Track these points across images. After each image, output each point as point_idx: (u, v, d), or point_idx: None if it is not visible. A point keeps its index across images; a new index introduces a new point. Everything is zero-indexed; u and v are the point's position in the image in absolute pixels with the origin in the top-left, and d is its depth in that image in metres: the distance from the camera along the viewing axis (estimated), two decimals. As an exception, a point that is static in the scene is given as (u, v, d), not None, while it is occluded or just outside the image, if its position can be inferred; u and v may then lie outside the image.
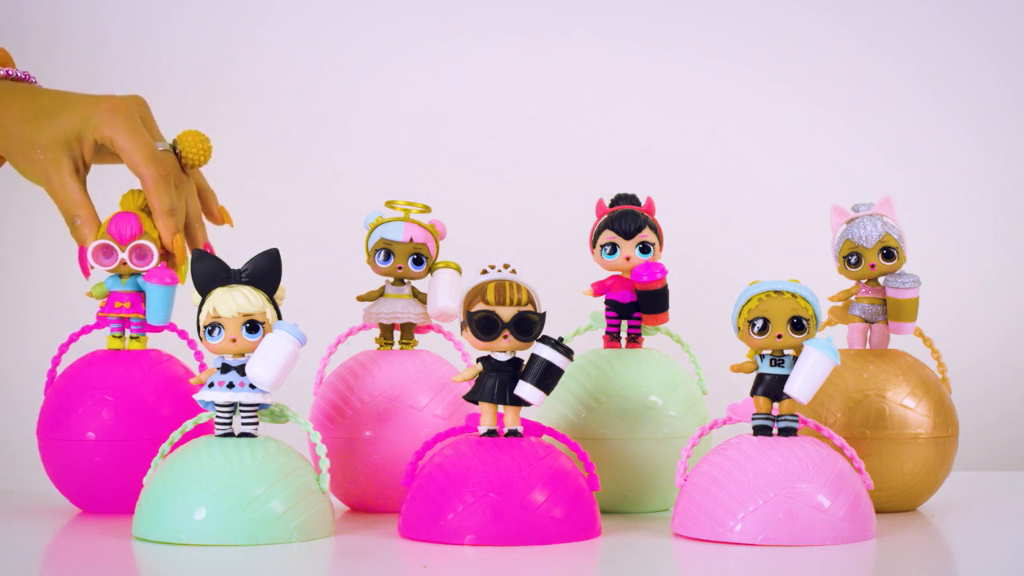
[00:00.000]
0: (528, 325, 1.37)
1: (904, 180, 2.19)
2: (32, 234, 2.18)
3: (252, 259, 1.40)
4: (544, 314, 1.38)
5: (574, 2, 2.20)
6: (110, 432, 1.54)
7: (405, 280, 1.60)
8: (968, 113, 2.19)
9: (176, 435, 1.43)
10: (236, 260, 1.42)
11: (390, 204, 1.60)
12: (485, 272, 1.39)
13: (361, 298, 1.61)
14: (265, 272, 1.40)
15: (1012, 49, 2.19)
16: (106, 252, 1.56)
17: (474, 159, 2.23)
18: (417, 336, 1.63)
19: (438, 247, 1.61)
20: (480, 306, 1.37)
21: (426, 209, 1.60)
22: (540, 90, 2.24)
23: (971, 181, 2.19)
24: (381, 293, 1.61)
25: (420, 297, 1.61)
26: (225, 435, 1.40)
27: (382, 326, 1.62)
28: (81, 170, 1.57)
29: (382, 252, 1.58)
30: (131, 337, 1.60)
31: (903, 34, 2.20)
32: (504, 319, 1.37)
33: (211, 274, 1.39)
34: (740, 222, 2.19)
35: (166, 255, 1.57)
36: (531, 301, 1.38)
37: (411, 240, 1.58)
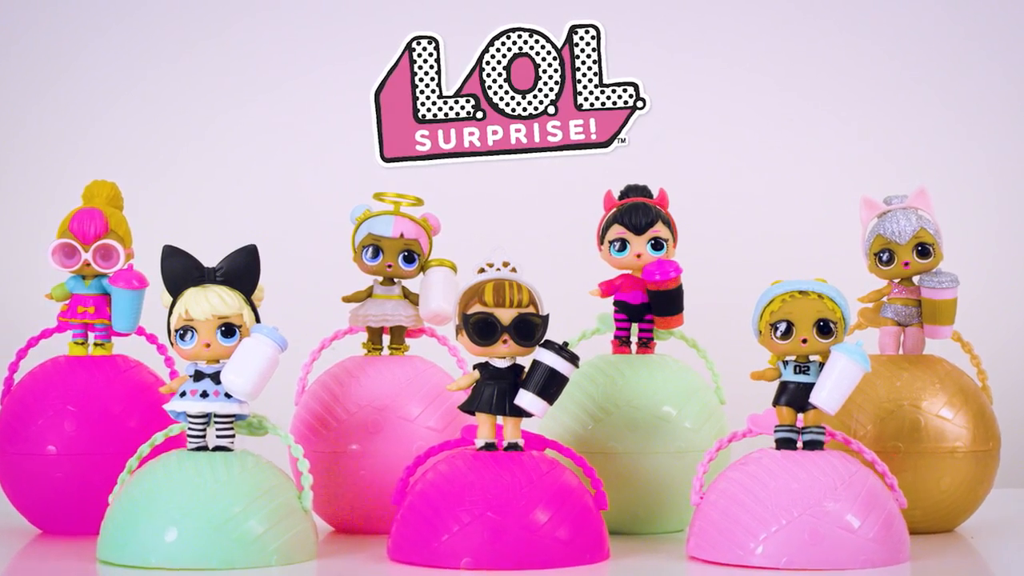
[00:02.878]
0: (530, 328, 1.37)
1: (936, 174, 2.19)
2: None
3: (228, 256, 1.39)
4: (547, 316, 1.38)
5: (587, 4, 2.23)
6: (72, 445, 1.54)
7: (395, 279, 1.60)
8: (1002, 104, 2.21)
9: (145, 449, 1.43)
10: (210, 257, 1.40)
11: (379, 196, 1.60)
12: (483, 271, 1.39)
13: (347, 299, 1.62)
14: (242, 270, 1.39)
15: (996, 50, 2.21)
16: (68, 252, 1.56)
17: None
18: (408, 340, 1.63)
19: (431, 243, 1.61)
20: (477, 308, 1.37)
21: (418, 202, 1.60)
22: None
23: (1007, 175, 2.21)
24: (369, 294, 1.61)
25: (411, 298, 1.61)
26: (198, 449, 1.40)
27: (370, 329, 1.62)
28: None
29: (370, 249, 1.58)
30: (95, 344, 1.60)
31: (928, 27, 2.23)
32: (503, 322, 1.36)
33: (183, 273, 1.38)
34: (761, 216, 2.21)
35: None
36: (533, 302, 1.37)
37: (402, 235, 1.57)
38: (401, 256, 1.57)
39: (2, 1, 2.22)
